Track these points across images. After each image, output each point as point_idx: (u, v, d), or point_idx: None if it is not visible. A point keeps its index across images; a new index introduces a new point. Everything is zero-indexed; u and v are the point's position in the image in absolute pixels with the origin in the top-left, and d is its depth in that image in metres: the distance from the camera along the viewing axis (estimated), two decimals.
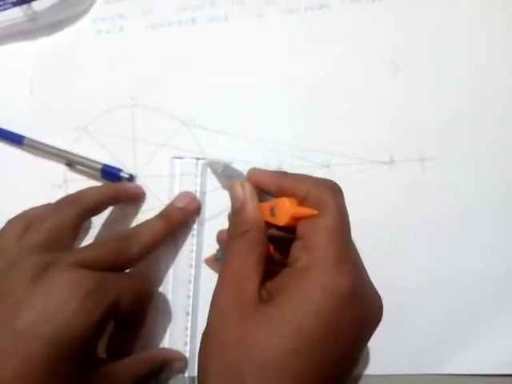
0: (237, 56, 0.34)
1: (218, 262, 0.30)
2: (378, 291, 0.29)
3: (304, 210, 0.23)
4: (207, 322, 0.23)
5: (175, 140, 0.33)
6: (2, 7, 0.35)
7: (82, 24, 0.36)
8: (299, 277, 0.21)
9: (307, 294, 0.21)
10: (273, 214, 0.24)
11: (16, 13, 0.35)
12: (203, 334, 0.23)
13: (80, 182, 0.33)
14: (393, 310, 0.29)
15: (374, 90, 0.32)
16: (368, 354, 0.29)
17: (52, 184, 0.34)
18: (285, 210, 0.23)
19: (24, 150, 0.34)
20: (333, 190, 0.24)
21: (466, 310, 0.29)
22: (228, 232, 0.25)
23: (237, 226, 0.25)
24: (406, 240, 0.30)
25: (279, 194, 0.24)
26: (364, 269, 0.23)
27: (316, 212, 0.22)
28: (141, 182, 0.33)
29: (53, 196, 0.29)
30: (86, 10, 0.36)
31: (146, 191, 0.33)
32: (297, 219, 0.23)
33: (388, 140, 0.32)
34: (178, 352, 0.30)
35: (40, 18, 0.35)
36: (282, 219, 0.23)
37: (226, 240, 0.25)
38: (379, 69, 0.33)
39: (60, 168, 0.34)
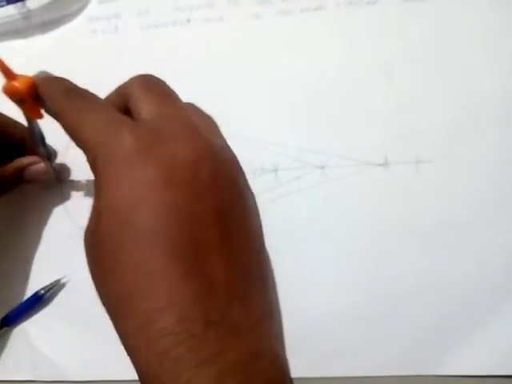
0: (232, 57, 0.34)
1: None
2: (373, 292, 0.29)
3: None
4: None
5: None
6: None
7: (77, 23, 0.36)
8: (93, 169, 0.22)
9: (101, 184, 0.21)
10: None
11: (10, 10, 0.35)
12: None
13: None
14: (387, 311, 0.29)
15: (369, 92, 0.32)
16: (361, 355, 0.29)
17: None
18: None
19: None
20: None
21: (460, 311, 0.29)
22: None
23: None
24: (401, 241, 0.30)
25: None
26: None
27: None
28: None
29: None
30: (81, 9, 0.36)
31: None
32: None
33: (383, 142, 0.32)
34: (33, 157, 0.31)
35: (34, 16, 0.35)
36: None
37: None
38: (374, 71, 0.33)
39: None
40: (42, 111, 0.28)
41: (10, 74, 0.27)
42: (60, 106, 0.25)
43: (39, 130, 0.30)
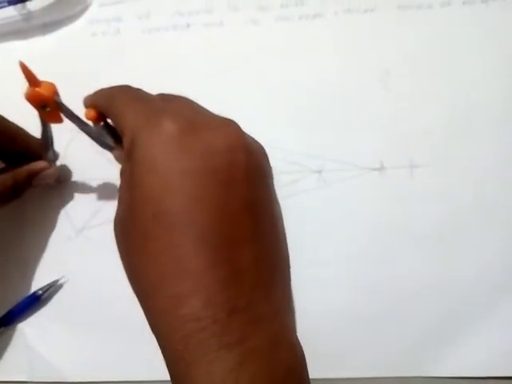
0: (231, 61, 0.35)
1: None
2: (370, 294, 0.30)
3: None
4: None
5: None
6: None
7: (78, 25, 0.36)
8: (129, 159, 0.22)
9: (137, 162, 0.22)
10: None
11: (10, 12, 0.35)
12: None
13: None
14: (385, 313, 0.30)
15: (366, 98, 0.33)
16: (361, 355, 0.29)
17: None
18: None
19: None
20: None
21: (460, 311, 0.29)
22: None
23: None
24: (398, 244, 0.31)
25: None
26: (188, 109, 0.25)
27: None
28: None
29: None
30: (82, 12, 0.36)
31: None
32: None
33: (379, 147, 0.32)
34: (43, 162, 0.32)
35: (35, 17, 0.35)
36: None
37: None
38: (371, 77, 0.33)
39: None
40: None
41: (34, 81, 0.27)
42: (106, 99, 0.26)
43: (51, 134, 0.31)
